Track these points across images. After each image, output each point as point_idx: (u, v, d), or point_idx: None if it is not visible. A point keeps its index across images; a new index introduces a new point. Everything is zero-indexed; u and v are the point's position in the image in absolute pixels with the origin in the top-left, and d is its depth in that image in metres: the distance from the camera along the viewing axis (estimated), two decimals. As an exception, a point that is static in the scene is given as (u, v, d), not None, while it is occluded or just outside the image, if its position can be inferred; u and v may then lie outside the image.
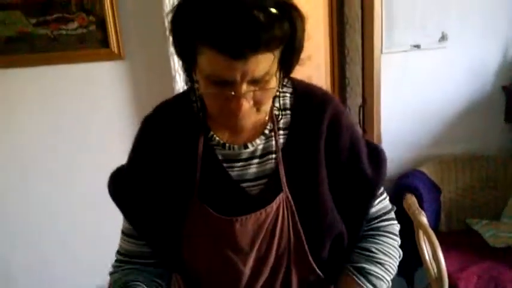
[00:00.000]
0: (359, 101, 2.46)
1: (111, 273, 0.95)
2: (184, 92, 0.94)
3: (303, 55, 0.81)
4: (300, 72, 0.85)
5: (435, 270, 1.89)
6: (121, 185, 0.91)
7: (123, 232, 0.95)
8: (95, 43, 1.98)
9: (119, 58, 2.02)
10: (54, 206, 2.26)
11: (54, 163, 2.18)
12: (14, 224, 2.30)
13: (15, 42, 1.93)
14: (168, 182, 0.86)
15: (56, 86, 2.07)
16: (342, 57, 2.80)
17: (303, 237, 0.86)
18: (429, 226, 1.94)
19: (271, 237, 0.85)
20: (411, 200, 2.07)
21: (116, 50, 1.99)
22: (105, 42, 1.98)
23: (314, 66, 4.22)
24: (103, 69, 2.05)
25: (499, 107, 2.37)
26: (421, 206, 2.08)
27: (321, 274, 0.92)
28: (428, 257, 1.98)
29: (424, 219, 1.93)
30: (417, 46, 2.23)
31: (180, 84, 1.99)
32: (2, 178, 2.23)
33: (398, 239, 0.96)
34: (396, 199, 2.16)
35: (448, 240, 2.13)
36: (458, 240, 2.18)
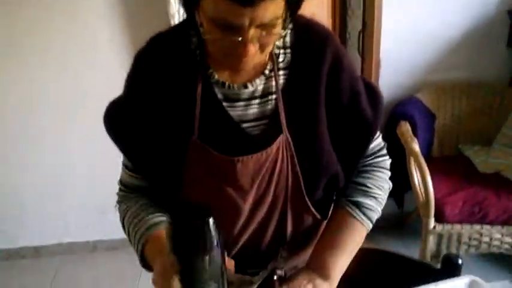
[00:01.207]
0: (359, 25, 2.39)
1: (118, 202, 0.98)
2: (181, 24, 0.90)
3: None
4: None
5: (423, 195, 1.97)
6: (117, 121, 0.91)
7: (123, 164, 0.96)
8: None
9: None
10: (60, 128, 2.33)
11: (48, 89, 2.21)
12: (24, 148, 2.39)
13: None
14: (166, 119, 0.86)
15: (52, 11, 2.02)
16: (344, -24, 2.68)
17: (301, 178, 0.89)
18: (421, 152, 1.99)
19: (270, 177, 0.87)
20: (405, 127, 2.10)
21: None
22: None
23: (316, -16, 4.05)
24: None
25: (503, 32, 2.31)
26: (415, 133, 2.11)
27: (316, 213, 0.96)
28: (418, 183, 2.05)
29: (416, 147, 1.98)
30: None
31: (175, 7, 1.93)
32: (10, 105, 2.28)
33: (389, 173, 1.00)
34: (391, 125, 2.20)
35: (439, 166, 2.20)
36: (449, 165, 2.25)
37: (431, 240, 2.01)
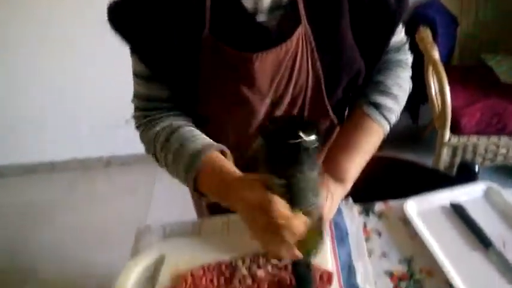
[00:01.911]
0: None
1: (137, 127, 0.90)
2: None
3: None
4: None
5: (440, 106, 1.90)
6: (123, 17, 0.81)
7: (135, 75, 0.87)
8: None
9: None
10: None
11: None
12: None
13: None
14: (175, 11, 0.77)
15: None
16: None
17: (321, 75, 0.82)
18: (441, 60, 1.88)
19: (290, 75, 0.81)
20: (425, 33, 1.97)
21: None
22: None
23: None
24: None
25: None
26: (435, 39, 1.98)
27: (333, 116, 0.90)
28: (435, 92, 1.96)
29: (436, 54, 1.86)
30: None
31: None
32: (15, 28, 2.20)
33: (410, 71, 0.92)
34: (410, 30, 2.05)
35: (459, 75, 2.09)
36: (470, 75, 2.14)
37: (446, 153, 1.96)
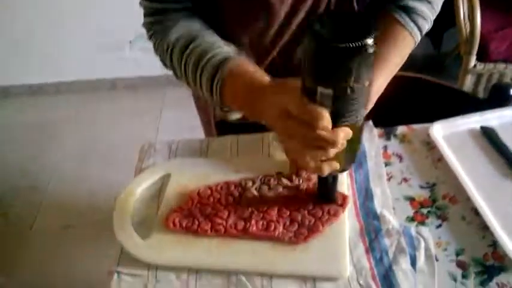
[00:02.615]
0: None
1: (150, 37, 0.79)
2: None
3: None
4: None
5: (467, 30, 1.76)
6: None
7: None
8: None
9: None
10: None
11: None
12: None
13: None
14: None
15: None
16: None
17: None
18: (471, -19, 1.72)
19: None
20: None
21: None
22: None
23: None
24: None
25: None
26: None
27: None
28: (463, 15, 1.82)
29: (467, -28, 1.70)
30: None
31: None
32: None
33: None
34: None
35: (490, -2, 1.93)
36: (501, -2, 1.98)
37: (469, 81, 1.85)
